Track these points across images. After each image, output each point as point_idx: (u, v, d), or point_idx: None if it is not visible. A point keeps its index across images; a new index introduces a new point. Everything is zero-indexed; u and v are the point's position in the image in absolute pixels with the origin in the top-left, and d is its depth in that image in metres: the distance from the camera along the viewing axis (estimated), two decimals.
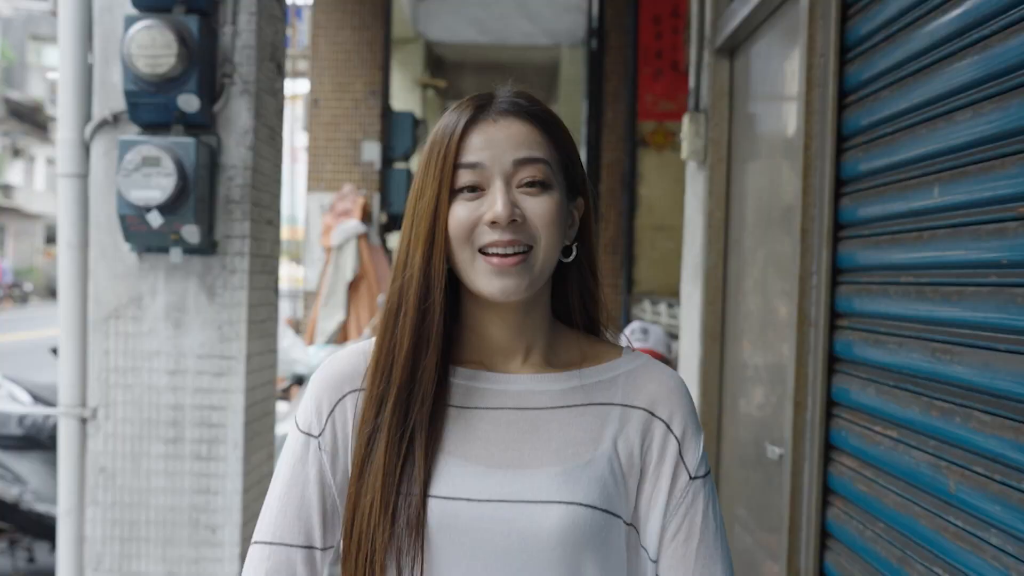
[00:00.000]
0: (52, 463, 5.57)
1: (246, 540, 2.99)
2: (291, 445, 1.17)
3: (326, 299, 5.96)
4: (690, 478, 1.11)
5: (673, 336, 4.07)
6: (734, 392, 2.92)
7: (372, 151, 6.47)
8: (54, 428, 5.48)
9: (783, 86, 2.47)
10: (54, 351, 6.30)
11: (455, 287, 1.13)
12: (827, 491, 2.03)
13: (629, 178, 6.37)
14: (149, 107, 2.80)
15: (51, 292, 38.06)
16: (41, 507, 5.40)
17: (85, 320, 2.97)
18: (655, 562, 1.11)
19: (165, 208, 2.73)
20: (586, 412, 1.13)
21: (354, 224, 6.07)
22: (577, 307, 1.18)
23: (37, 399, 6.22)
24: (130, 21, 2.77)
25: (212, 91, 2.89)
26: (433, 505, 1.07)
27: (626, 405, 1.13)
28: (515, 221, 1.06)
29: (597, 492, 1.08)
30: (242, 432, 2.94)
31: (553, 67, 11.01)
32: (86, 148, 2.95)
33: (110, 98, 2.93)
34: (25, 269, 37.48)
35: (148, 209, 2.73)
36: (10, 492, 5.32)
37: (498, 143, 1.08)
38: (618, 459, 1.11)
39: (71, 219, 2.95)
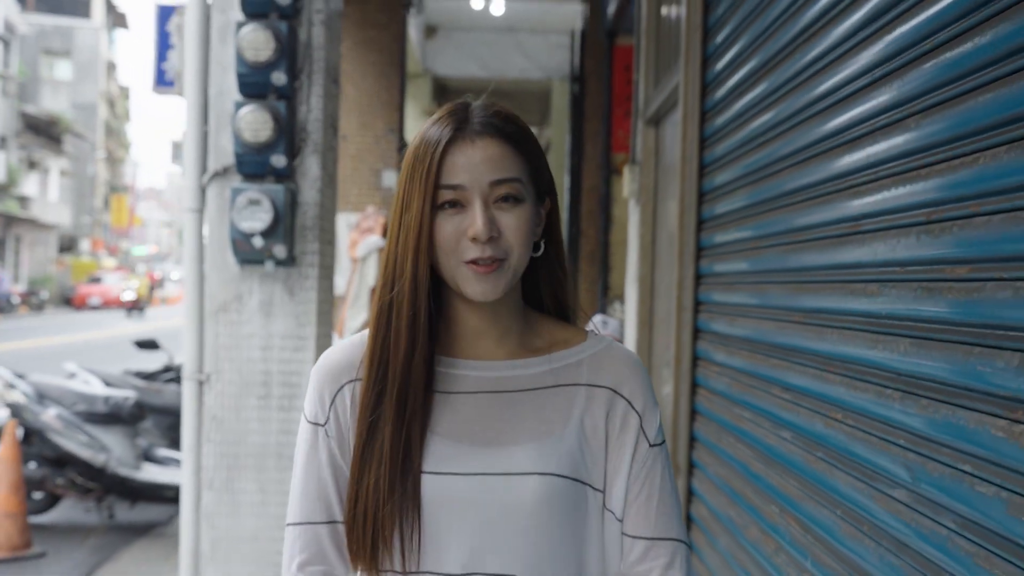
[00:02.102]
0: (131, 436, 6.77)
1: None
2: (303, 435, 1.30)
3: (353, 301, 7.18)
4: (649, 446, 1.25)
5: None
6: (657, 361, 4.15)
7: (390, 178, 7.76)
8: (132, 407, 6.65)
9: (679, 154, 3.71)
10: (138, 344, 7.52)
11: (436, 286, 1.25)
12: (693, 413, 3.27)
13: (605, 201, 7.61)
14: (251, 163, 4.03)
15: (65, 300, 39.18)
16: (123, 471, 6.52)
17: (202, 312, 4.20)
18: (620, 520, 1.24)
19: (264, 234, 3.97)
20: (556, 393, 1.25)
21: (376, 239, 7.30)
22: (548, 295, 1.31)
23: (108, 384, 7.40)
24: (239, 105, 4.01)
25: (292, 151, 4.12)
26: (427, 480, 1.20)
27: (591, 385, 1.26)
28: (492, 237, 1.19)
29: (567, 463, 1.21)
30: None
31: (546, 95, 12.25)
32: (203, 191, 4.19)
33: (220, 156, 4.16)
34: (40, 278, 38.58)
35: (252, 235, 3.96)
36: (98, 458, 6.40)
37: (476, 165, 1.19)
38: (584, 433, 1.24)
39: (193, 240, 4.19)
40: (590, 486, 1.23)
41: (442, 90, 12.13)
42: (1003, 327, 1.33)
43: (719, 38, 3.09)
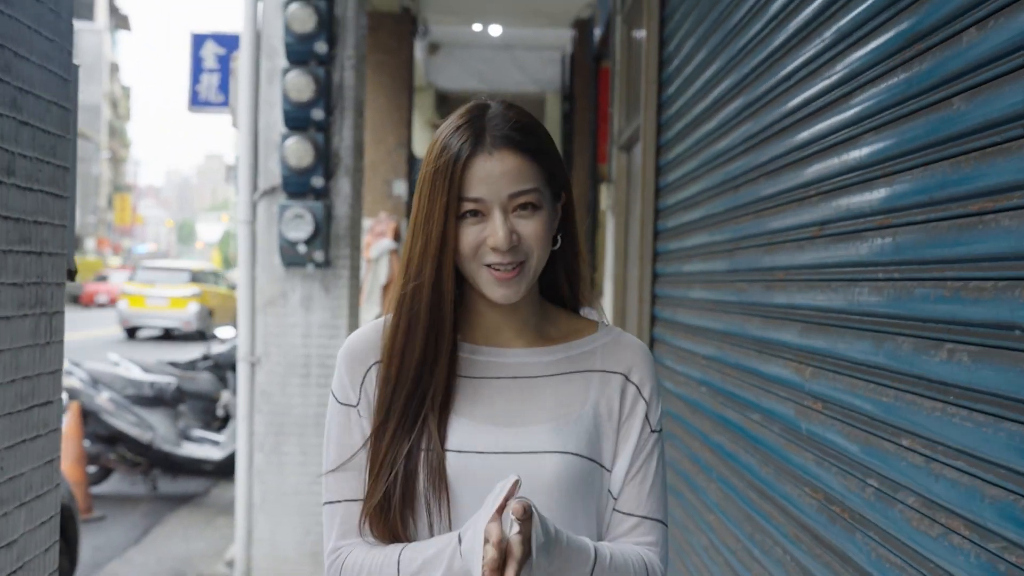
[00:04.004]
0: (172, 417, 7.63)
1: None
2: (335, 416, 1.36)
3: (367, 297, 8.08)
4: (651, 432, 1.34)
5: None
6: None
7: (400, 187, 8.68)
8: (174, 391, 7.51)
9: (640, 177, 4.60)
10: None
11: (458, 279, 1.30)
12: None
13: (592, 208, 8.50)
14: (295, 184, 4.91)
15: (73, 299, 40.02)
16: (166, 447, 7.36)
17: (254, 305, 5.08)
18: (616, 499, 1.32)
19: (307, 242, 4.86)
20: (573, 378, 1.34)
21: (387, 242, 8.20)
22: (564, 285, 1.39)
23: (146, 371, 8.25)
24: (284, 136, 4.89)
25: (328, 173, 5.00)
26: (451, 458, 1.27)
27: (605, 371, 1.34)
28: (513, 245, 1.25)
29: (584, 443, 1.30)
30: None
31: (540, 105, 13.14)
32: (254, 206, 5.07)
33: (269, 177, 5.04)
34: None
35: (297, 243, 4.85)
36: (145, 436, 7.23)
37: (495, 179, 1.25)
38: (599, 415, 1.32)
39: (246, 247, 5.07)
40: (603, 466, 1.32)
41: (443, 101, 13.03)
42: (807, 309, 2.23)
43: (670, 90, 3.98)
